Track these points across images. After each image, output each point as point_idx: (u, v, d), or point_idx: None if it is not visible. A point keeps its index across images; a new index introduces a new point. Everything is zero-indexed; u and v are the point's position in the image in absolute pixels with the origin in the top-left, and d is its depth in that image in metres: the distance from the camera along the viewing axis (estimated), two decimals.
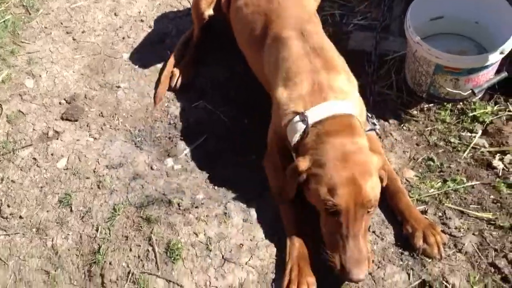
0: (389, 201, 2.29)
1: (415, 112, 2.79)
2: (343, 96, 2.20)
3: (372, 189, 1.96)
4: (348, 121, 2.12)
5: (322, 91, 2.18)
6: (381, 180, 2.07)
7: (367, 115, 2.41)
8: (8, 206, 2.52)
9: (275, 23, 2.48)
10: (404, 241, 2.20)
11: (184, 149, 2.72)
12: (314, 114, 2.12)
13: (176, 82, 3.01)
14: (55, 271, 2.26)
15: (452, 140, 2.62)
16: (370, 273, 2.10)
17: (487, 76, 2.68)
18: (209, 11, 3.04)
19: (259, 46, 2.54)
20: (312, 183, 2.02)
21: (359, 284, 2.06)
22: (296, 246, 2.13)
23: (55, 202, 2.51)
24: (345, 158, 1.99)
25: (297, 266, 2.07)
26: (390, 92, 2.91)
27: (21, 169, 2.66)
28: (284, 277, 2.06)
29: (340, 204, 1.92)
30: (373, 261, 2.11)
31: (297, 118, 2.15)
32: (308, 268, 2.07)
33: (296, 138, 2.13)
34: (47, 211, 2.48)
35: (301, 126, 2.12)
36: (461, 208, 2.31)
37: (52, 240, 2.37)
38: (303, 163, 2.04)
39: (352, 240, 1.91)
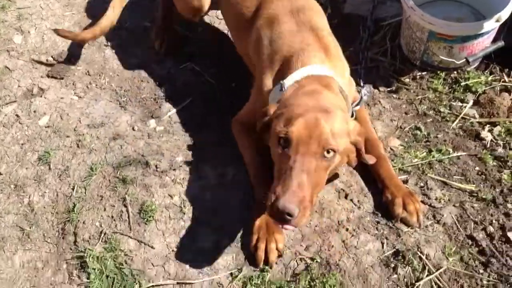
0: (370, 167, 2.22)
1: (407, 80, 2.71)
2: (328, 64, 2.12)
3: (332, 132, 1.80)
4: (326, 81, 2.04)
5: (306, 62, 2.09)
6: (356, 146, 1.95)
7: (362, 86, 2.36)
8: None
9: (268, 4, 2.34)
10: (383, 210, 2.15)
11: (168, 111, 2.67)
12: (293, 77, 2.05)
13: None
14: (30, 228, 2.26)
15: (442, 109, 2.54)
16: (343, 241, 2.06)
17: (483, 45, 2.58)
18: None
19: (248, 26, 2.40)
20: (273, 123, 1.91)
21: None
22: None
23: (35, 160, 2.49)
24: (312, 102, 1.89)
25: (265, 223, 2.04)
26: (384, 59, 2.82)
27: (3, 126, 2.65)
28: (252, 235, 2.04)
29: (292, 132, 1.78)
30: (310, 218, 2.09)
31: (277, 86, 2.09)
32: (276, 225, 1.99)
33: (274, 101, 2.06)
34: (26, 168, 2.47)
35: (278, 93, 2.06)
36: (443, 179, 2.25)
37: (29, 197, 2.36)
38: (272, 107, 1.98)
39: (294, 174, 1.73)
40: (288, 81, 2.05)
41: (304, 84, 2.00)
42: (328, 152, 1.79)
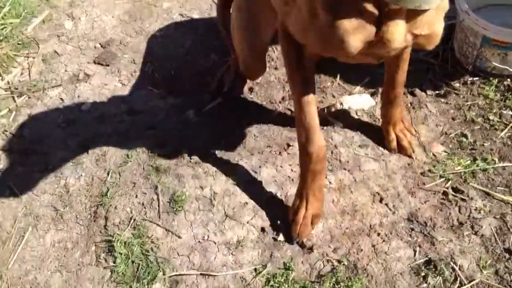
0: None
1: (457, 85, 2.59)
2: None
3: None
4: None
5: None
6: None
7: None
8: (31, 143, 2.56)
9: None
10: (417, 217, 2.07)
11: (208, 103, 2.66)
12: None
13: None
14: (64, 208, 2.29)
15: (491, 117, 2.41)
16: (373, 245, 1.99)
17: None
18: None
19: None
20: None
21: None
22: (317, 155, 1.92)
23: (75, 144, 2.53)
24: None
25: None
26: (435, 61, 2.72)
27: (48, 108, 2.70)
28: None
29: None
30: None
31: None
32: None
33: None
34: (66, 151, 2.50)
35: None
36: (486, 189, 2.14)
37: (66, 179, 2.39)
38: None
39: None
40: None
41: None
42: None
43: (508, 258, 1.93)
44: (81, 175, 2.39)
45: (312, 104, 1.89)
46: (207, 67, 2.86)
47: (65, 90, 2.77)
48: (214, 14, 3.15)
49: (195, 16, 3.14)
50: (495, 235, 1.99)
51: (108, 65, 2.90)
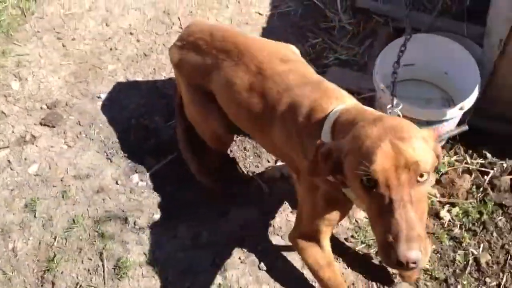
0: None
1: None
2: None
3: (415, 149, 1.51)
4: (364, 107, 1.98)
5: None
6: (436, 155, 1.65)
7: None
8: None
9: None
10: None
11: (152, 166, 2.83)
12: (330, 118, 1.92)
13: None
14: (12, 272, 2.39)
15: None
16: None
17: (448, 128, 2.77)
18: None
19: (268, 121, 2.20)
20: (345, 162, 1.64)
21: None
22: None
23: (21, 206, 2.63)
24: (377, 127, 1.60)
25: None
26: None
27: None
28: None
29: (375, 171, 1.49)
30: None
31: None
32: None
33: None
34: (13, 214, 2.61)
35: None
36: None
37: (14, 243, 2.50)
38: (329, 144, 1.74)
39: (397, 210, 1.46)
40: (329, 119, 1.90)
41: (349, 113, 1.86)
42: (421, 175, 1.52)
43: None
44: (29, 239, 2.50)
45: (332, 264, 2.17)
46: (151, 130, 3.03)
47: (12, 152, 2.87)
48: (157, 77, 3.35)
49: (139, 79, 3.31)
50: None
51: (54, 127, 3.01)
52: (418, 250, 1.42)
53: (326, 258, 2.14)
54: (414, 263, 1.42)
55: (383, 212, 1.49)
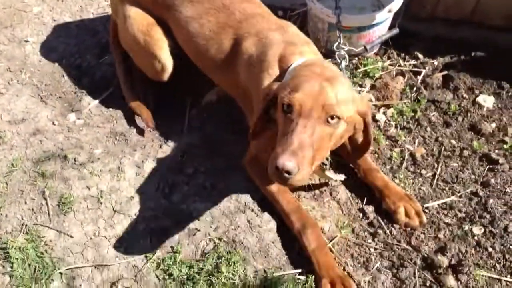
0: (364, 180, 2.37)
1: None
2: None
3: (336, 94, 1.80)
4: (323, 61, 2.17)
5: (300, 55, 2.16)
6: (364, 118, 1.95)
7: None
8: None
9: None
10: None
11: (88, 104, 2.79)
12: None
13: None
14: None
15: None
16: (248, 221, 2.26)
17: (379, 33, 2.80)
18: None
19: (230, 62, 2.37)
20: (279, 95, 1.89)
21: None
22: (323, 250, 2.11)
23: None
24: (316, 71, 1.90)
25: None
26: None
27: None
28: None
29: (295, 98, 1.78)
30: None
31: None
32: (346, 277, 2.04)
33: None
34: None
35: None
36: (339, 159, 2.47)
37: None
38: (275, 84, 1.98)
39: (295, 134, 1.75)
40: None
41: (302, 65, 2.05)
42: (332, 118, 1.80)
43: (361, 217, 2.28)
44: None
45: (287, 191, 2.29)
46: (84, 68, 2.97)
47: None
48: (85, 15, 3.26)
49: (67, 19, 3.21)
50: (350, 198, 2.34)
51: None
52: (295, 164, 1.68)
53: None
54: (288, 173, 1.67)
55: (287, 132, 1.77)
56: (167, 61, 2.59)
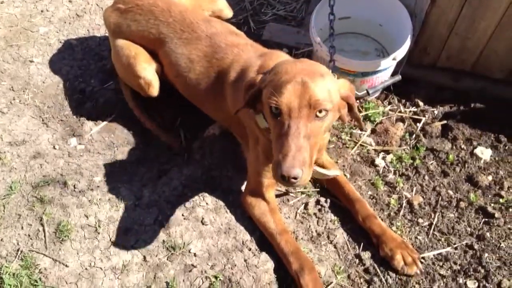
0: (362, 225, 2.38)
1: None
2: None
3: (321, 89, 1.82)
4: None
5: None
6: (347, 101, 1.99)
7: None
8: None
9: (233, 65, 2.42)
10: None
11: (90, 129, 2.80)
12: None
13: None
14: None
15: (344, 136, 2.79)
16: (245, 260, 2.26)
17: (382, 78, 2.84)
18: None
19: (217, 91, 2.48)
20: (263, 92, 1.95)
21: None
22: None
23: None
24: (297, 67, 1.91)
25: None
26: None
27: None
28: None
29: (281, 102, 1.80)
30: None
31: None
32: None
33: None
34: None
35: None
36: (337, 202, 2.49)
37: None
38: (258, 77, 2.04)
39: (290, 138, 1.77)
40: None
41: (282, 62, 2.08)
42: (320, 111, 1.83)
43: (358, 263, 2.30)
44: None
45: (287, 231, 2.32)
46: (87, 92, 2.98)
47: None
48: (91, 38, 3.28)
49: (73, 42, 3.22)
50: (347, 243, 2.35)
51: None
52: (299, 169, 1.72)
53: (271, 207, 2.38)
54: (295, 178, 1.72)
55: (281, 136, 1.81)
56: (152, 79, 2.69)
